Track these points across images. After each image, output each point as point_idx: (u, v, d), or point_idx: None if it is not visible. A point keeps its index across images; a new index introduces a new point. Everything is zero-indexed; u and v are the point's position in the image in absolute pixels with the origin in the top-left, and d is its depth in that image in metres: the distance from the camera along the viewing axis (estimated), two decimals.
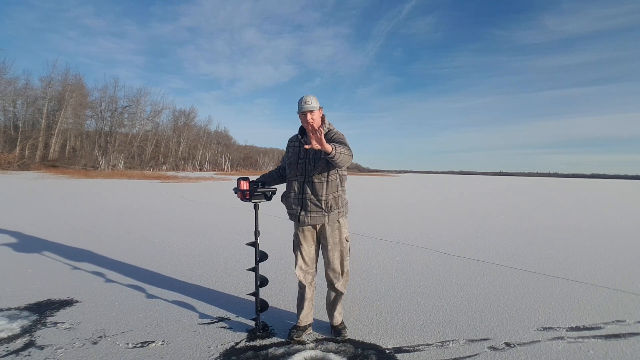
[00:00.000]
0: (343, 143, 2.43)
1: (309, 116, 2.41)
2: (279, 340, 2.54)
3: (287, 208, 2.64)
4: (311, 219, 2.51)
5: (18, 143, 34.89)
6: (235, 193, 2.64)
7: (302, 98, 2.48)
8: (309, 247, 2.60)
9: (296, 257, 2.62)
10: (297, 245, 2.63)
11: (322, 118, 2.56)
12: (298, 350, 2.38)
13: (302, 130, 2.60)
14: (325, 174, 2.48)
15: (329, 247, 2.57)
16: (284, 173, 2.78)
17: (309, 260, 2.61)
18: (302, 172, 2.53)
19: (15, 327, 2.62)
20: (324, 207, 2.49)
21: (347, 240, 2.61)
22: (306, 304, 2.61)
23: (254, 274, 2.88)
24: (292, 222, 2.70)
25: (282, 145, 2.67)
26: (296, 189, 2.54)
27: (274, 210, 9.21)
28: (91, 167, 36.60)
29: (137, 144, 46.41)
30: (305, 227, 2.59)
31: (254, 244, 2.66)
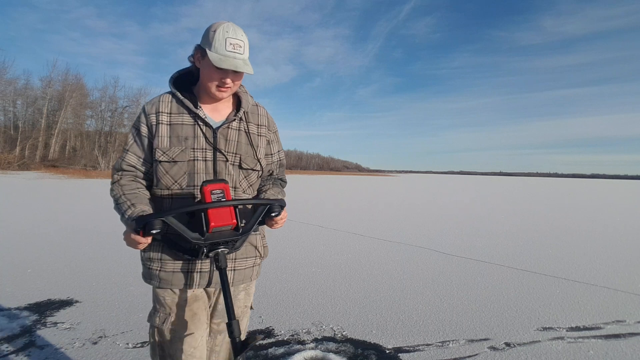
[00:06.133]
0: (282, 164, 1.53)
1: (229, 81, 1.24)
2: (279, 340, 2.54)
3: None
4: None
5: (18, 143, 34.88)
6: None
7: (226, 33, 1.19)
8: None
9: None
10: None
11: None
12: (298, 350, 2.38)
13: (185, 89, 1.32)
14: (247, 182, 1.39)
15: None
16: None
17: None
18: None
19: (15, 327, 2.62)
20: None
21: None
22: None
23: None
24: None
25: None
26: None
27: None
28: (91, 167, 36.59)
29: None
30: None
31: None
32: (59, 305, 3.04)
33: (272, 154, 1.46)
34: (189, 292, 1.31)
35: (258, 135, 1.38)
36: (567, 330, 2.81)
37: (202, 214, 1.10)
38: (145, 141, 1.28)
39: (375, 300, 3.35)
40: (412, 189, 25.68)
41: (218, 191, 1.14)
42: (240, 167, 1.32)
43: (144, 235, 1.07)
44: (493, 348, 2.50)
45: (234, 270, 1.35)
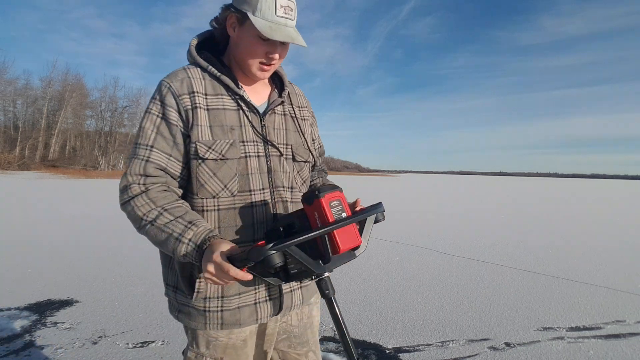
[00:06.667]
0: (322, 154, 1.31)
1: (277, 57, 0.96)
2: None
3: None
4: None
5: (18, 143, 34.92)
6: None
7: None
8: None
9: None
10: None
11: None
12: None
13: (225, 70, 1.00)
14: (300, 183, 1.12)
15: None
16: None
17: None
18: (267, 182, 1.02)
19: (15, 327, 2.62)
20: None
21: None
22: None
23: None
24: None
25: None
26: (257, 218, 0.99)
27: None
28: (91, 167, 36.63)
29: None
30: None
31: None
32: (59, 305, 3.04)
33: (314, 140, 1.19)
34: (252, 326, 1.02)
35: (302, 119, 1.12)
36: (567, 330, 2.81)
37: (326, 235, 0.83)
38: (178, 133, 0.93)
39: (375, 300, 3.35)
40: (412, 189, 25.69)
41: (336, 202, 0.86)
42: (294, 160, 1.05)
43: (246, 270, 0.78)
44: (493, 348, 2.50)
45: (300, 287, 1.06)
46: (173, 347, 2.40)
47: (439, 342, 2.57)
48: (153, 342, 2.47)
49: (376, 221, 0.98)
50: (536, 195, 21.21)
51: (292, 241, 0.75)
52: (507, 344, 2.56)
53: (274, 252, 0.73)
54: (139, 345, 2.42)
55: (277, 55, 0.95)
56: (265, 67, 0.96)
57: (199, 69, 0.98)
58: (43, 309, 2.95)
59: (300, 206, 0.91)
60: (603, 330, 2.82)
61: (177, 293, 0.99)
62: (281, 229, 0.92)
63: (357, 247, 0.92)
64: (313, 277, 0.87)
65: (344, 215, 0.85)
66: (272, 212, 0.98)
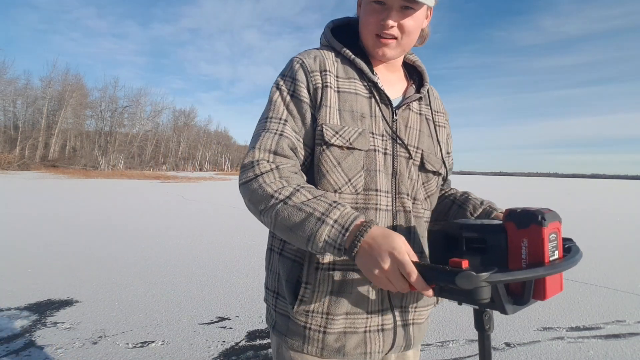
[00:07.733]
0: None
1: (391, 23, 0.80)
2: None
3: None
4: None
5: (18, 143, 34.94)
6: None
7: None
8: None
9: None
10: None
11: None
12: None
13: (357, 49, 0.90)
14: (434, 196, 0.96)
15: None
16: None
17: None
18: (391, 184, 0.85)
19: (15, 327, 2.62)
20: None
21: None
22: None
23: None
24: None
25: None
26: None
27: None
28: (91, 167, 36.63)
29: (137, 144, 46.47)
30: None
31: None
32: (59, 305, 3.04)
33: (448, 153, 1.02)
34: None
35: (438, 125, 0.97)
36: (567, 330, 2.81)
37: None
38: (307, 112, 0.82)
39: None
40: None
41: (554, 236, 0.65)
42: (422, 168, 0.88)
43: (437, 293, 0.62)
44: (493, 348, 2.50)
45: (414, 323, 0.91)
46: (173, 347, 2.41)
47: (439, 342, 2.57)
48: (153, 342, 2.47)
49: None
50: (536, 195, 21.21)
51: (514, 278, 0.58)
52: (507, 344, 2.56)
53: (487, 284, 0.57)
54: (139, 345, 2.42)
55: (390, 22, 0.79)
56: (382, 40, 0.83)
57: (332, 51, 0.89)
58: (43, 309, 2.95)
59: (424, 223, 0.83)
60: (603, 330, 2.82)
61: (277, 299, 0.85)
62: (464, 241, 0.73)
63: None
64: (478, 307, 0.70)
65: (556, 253, 0.66)
66: (392, 222, 0.82)
